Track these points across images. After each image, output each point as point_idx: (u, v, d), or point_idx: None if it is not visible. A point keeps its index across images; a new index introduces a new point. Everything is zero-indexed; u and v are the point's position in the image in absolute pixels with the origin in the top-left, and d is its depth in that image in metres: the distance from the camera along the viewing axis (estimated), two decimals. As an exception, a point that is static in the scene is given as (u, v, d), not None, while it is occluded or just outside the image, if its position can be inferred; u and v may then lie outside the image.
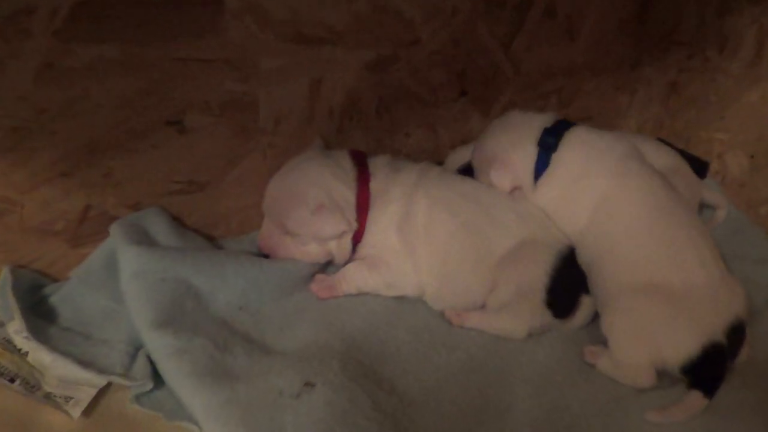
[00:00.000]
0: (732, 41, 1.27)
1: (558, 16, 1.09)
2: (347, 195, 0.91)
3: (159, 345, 0.78)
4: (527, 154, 0.91)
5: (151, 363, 0.79)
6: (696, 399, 0.77)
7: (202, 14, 0.83)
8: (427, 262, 0.90)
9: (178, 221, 0.97)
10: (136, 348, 0.83)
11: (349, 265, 0.93)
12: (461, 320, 0.89)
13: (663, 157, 1.03)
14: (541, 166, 0.91)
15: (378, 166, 0.95)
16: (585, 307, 0.89)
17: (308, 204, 0.89)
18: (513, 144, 0.93)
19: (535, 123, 0.93)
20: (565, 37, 1.13)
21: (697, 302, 0.78)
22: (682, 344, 0.77)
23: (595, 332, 0.87)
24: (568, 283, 0.88)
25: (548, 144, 0.91)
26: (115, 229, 0.89)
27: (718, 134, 1.38)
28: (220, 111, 0.91)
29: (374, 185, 0.93)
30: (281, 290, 0.92)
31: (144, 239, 0.89)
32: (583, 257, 0.89)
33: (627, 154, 0.90)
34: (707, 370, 0.77)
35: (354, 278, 0.92)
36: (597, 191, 0.87)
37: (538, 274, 0.87)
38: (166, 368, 0.77)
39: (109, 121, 0.85)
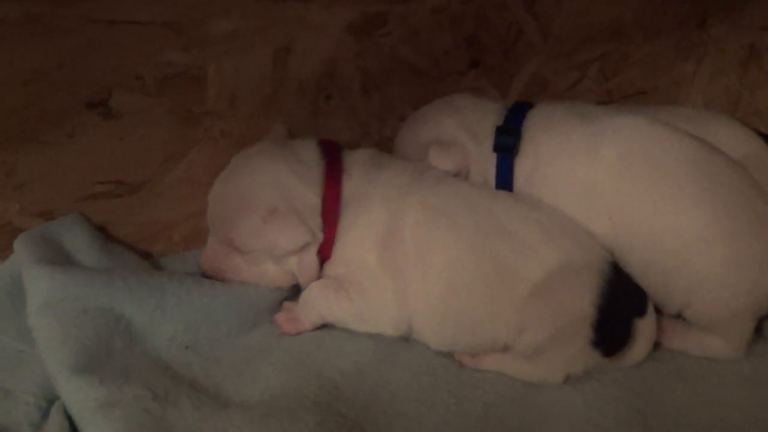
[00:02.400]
0: (831, -10, 1.28)
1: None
2: (309, 196, 0.91)
3: (80, 396, 0.79)
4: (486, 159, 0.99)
5: (70, 419, 0.80)
6: None
7: (133, -37, 0.84)
8: (418, 290, 0.90)
9: (103, 233, 0.98)
10: (49, 401, 0.83)
11: (312, 285, 0.93)
12: (476, 362, 0.90)
13: (738, 143, 1.04)
14: (504, 172, 0.97)
15: (356, 161, 0.95)
16: (641, 335, 0.90)
17: (257, 209, 0.89)
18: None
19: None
20: (609, -12, 1.15)
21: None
22: None
23: (648, 369, 0.89)
24: (619, 311, 0.88)
25: (506, 145, 0.96)
26: (20, 245, 0.89)
27: (813, 113, 1.39)
28: (157, 89, 0.92)
29: (348, 185, 0.93)
30: (240, 323, 0.93)
31: (59, 258, 0.89)
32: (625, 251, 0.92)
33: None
34: None
35: (316, 302, 0.92)
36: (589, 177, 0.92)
37: (581, 308, 0.86)
38: (89, 426, 0.77)
39: (11, 103, 0.86)
